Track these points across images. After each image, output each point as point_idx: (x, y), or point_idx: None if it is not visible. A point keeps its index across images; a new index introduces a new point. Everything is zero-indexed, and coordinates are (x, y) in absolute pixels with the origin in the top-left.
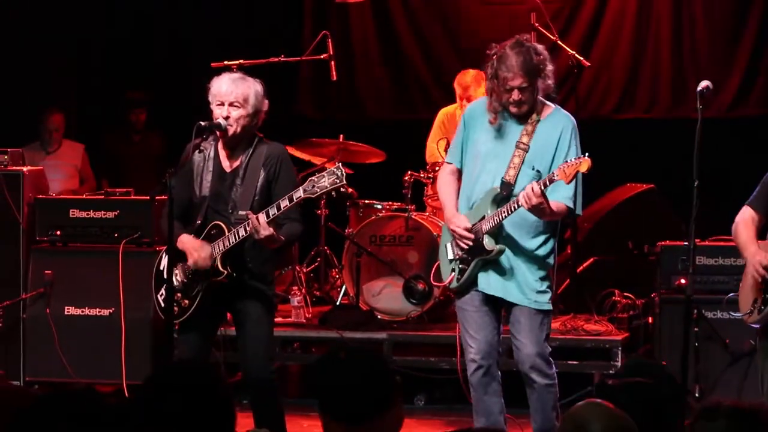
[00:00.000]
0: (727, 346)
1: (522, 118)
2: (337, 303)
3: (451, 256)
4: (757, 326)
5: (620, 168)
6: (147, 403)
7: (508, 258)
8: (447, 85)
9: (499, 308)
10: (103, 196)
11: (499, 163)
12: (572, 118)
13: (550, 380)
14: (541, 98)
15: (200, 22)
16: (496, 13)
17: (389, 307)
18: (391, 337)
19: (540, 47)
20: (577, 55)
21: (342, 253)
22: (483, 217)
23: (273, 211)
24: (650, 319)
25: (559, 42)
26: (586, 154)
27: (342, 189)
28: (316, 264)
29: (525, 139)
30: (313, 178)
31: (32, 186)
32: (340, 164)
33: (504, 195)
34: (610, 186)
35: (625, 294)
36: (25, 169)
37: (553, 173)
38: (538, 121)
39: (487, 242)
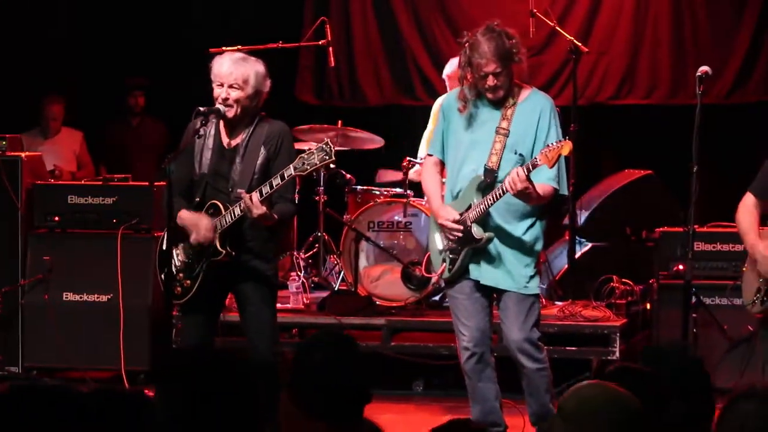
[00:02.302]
0: (726, 332)
1: (498, 104)
2: (336, 289)
3: (440, 247)
4: (760, 315)
5: (619, 154)
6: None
7: (495, 245)
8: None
9: (490, 294)
10: (101, 182)
11: (481, 150)
12: (549, 98)
13: (540, 364)
14: (517, 82)
15: (199, 7)
16: (496, 0)
17: (387, 293)
18: (390, 322)
19: (511, 31)
20: (575, 41)
21: (340, 239)
22: (469, 206)
23: (266, 189)
24: (648, 305)
25: (558, 28)
26: (566, 137)
27: (331, 165)
28: (315, 250)
29: (504, 124)
30: (303, 155)
31: (30, 172)
32: (328, 140)
33: (488, 182)
34: (609, 172)
35: (624, 280)
36: (23, 154)
37: (535, 158)
38: (515, 104)
39: (476, 231)
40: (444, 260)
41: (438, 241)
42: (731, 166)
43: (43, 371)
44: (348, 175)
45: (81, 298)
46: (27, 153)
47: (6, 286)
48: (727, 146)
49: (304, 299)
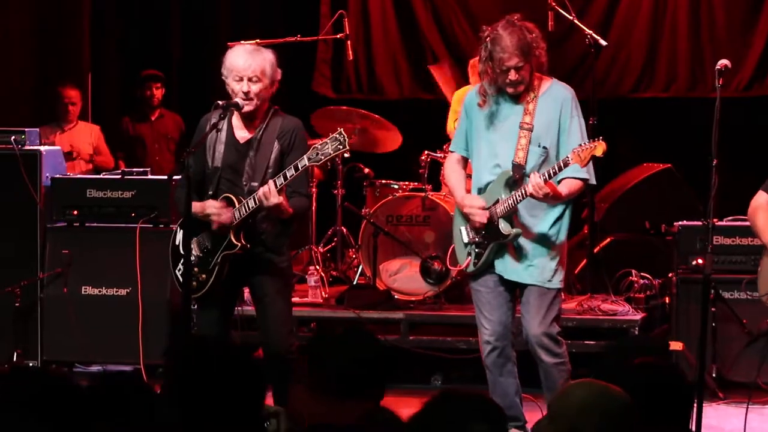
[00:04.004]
0: (745, 326)
1: (518, 97)
2: (354, 283)
3: (466, 240)
4: None
5: (637, 148)
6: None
7: (520, 239)
8: (464, 64)
9: (513, 289)
10: (120, 176)
11: (505, 145)
12: (570, 89)
13: (558, 359)
14: (537, 74)
15: (217, 1)
16: None
17: (406, 287)
18: (408, 316)
19: (531, 25)
20: (594, 35)
21: (359, 232)
22: (497, 201)
23: (280, 180)
24: (667, 299)
25: (577, 21)
26: (600, 137)
27: (345, 155)
28: (333, 244)
29: (527, 119)
30: (316, 145)
31: (49, 166)
32: (341, 130)
33: (516, 178)
34: (628, 166)
35: (642, 274)
36: (42, 148)
37: (567, 157)
38: (536, 97)
39: (503, 226)
40: (469, 254)
41: (463, 234)
42: (749, 160)
43: (61, 364)
44: (366, 169)
45: (100, 291)
46: (46, 147)
47: (25, 279)
48: (746, 139)
49: (323, 293)
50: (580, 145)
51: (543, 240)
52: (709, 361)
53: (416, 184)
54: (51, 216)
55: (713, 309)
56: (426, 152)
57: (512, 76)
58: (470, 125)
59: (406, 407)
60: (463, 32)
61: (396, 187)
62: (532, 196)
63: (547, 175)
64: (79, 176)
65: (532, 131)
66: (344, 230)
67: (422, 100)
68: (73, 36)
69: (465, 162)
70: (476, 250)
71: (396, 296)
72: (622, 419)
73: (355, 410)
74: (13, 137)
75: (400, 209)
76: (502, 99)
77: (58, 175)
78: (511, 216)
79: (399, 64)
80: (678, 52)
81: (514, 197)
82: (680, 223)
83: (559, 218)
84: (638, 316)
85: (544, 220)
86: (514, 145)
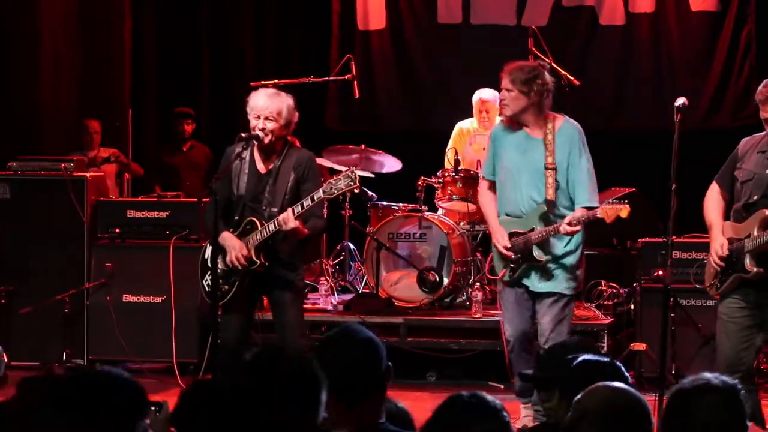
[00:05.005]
0: (700, 329)
1: (537, 132)
2: (360, 291)
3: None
4: (718, 297)
5: (606, 173)
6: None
7: (548, 259)
8: (455, 101)
9: (535, 298)
10: (156, 199)
11: (530, 178)
12: (578, 126)
13: None
14: (549, 113)
15: (241, 48)
16: (496, 40)
17: (405, 295)
18: (407, 321)
19: (544, 71)
20: (569, 75)
21: (364, 248)
22: (532, 229)
23: (298, 210)
24: (632, 306)
25: (554, 64)
26: (626, 201)
27: (355, 190)
28: (342, 258)
29: (550, 159)
30: (330, 180)
31: (94, 189)
32: (353, 168)
33: (549, 212)
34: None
35: (611, 284)
36: (88, 174)
37: (595, 211)
38: (554, 136)
39: (537, 253)
40: (506, 267)
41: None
42: (705, 185)
43: (105, 363)
44: (370, 193)
45: (138, 299)
46: (91, 173)
47: (74, 289)
48: (702, 167)
49: (332, 300)
50: (609, 202)
51: (562, 255)
52: (669, 360)
53: (414, 205)
54: (96, 233)
55: (672, 315)
56: (422, 178)
57: (501, 95)
58: (496, 154)
59: (404, 400)
60: (455, 73)
61: (396, 208)
62: (564, 233)
63: (576, 222)
64: (120, 199)
65: (555, 170)
66: (351, 246)
67: (418, 131)
68: (115, 75)
69: (494, 185)
70: (512, 265)
71: (396, 303)
72: (628, 415)
73: (364, 417)
74: (63, 165)
75: (400, 227)
76: (522, 133)
77: (102, 198)
78: (543, 243)
79: (397, 101)
80: (642, 91)
81: (547, 230)
82: (643, 239)
83: (572, 238)
84: (607, 321)
85: (562, 240)
86: (543, 182)
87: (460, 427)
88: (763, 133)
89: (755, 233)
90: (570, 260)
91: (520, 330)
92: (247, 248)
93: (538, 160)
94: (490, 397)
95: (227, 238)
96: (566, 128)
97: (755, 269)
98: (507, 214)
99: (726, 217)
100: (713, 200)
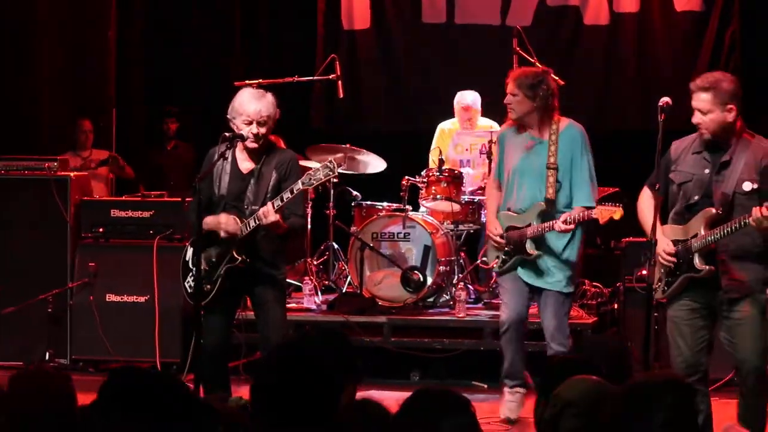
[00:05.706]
0: None
1: (542, 134)
2: (343, 291)
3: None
4: (664, 300)
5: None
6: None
7: (543, 256)
8: (440, 101)
9: (532, 289)
10: (140, 198)
11: (533, 178)
12: (581, 128)
13: (566, 348)
14: (555, 116)
15: (225, 47)
16: (481, 40)
17: (388, 295)
18: (390, 321)
19: (551, 78)
20: (553, 75)
21: (348, 247)
22: (529, 224)
23: (278, 203)
24: (616, 306)
25: (538, 64)
26: (620, 204)
27: (334, 179)
28: (326, 257)
29: (552, 160)
30: (309, 171)
31: (78, 189)
32: (332, 159)
33: (548, 210)
34: None
35: (594, 283)
36: (72, 174)
37: (592, 211)
38: (558, 138)
39: (529, 247)
40: (497, 257)
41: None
42: None
43: (88, 363)
44: (354, 192)
45: (122, 298)
46: (75, 173)
47: (57, 288)
48: None
49: (316, 300)
50: (605, 204)
51: (558, 253)
52: (652, 358)
53: (398, 205)
54: (80, 233)
55: (655, 314)
56: (406, 177)
57: (506, 99)
58: (502, 155)
59: (387, 399)
60: (442, 75)
61: (380, 207)
62: (559, 231)
63: (571, 220)
64: (104, 198)
65: (557, 170)
66: (335, 245)
67: (402, 132)
68: (100, 75)
69: (500, 185)
70: (503, 257)
71: (380, 303)
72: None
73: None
74: (46, 164)
75: (384, 227)
76: (527, 135)
77: (85, 197)
78: (537, 239)
79: (382, 100)
80: (626, 91)
81: (544, 228)
82: (627, 239)
83: (572, 239)
84: (591, 320)
85: (560, 238)
86: (544, 181)
87: (428, 420)
88: (695, 134)
89: (702, 232)
90: (566, 256)
91: (515, 313)
92: (233, 218)
93: (541, 160)
94: (457, 393)
95: (209, 219)
96: (570, 130)
97: (706, 267)
98: (508, 209)
99: (663, 221)
100: (648, 204)
